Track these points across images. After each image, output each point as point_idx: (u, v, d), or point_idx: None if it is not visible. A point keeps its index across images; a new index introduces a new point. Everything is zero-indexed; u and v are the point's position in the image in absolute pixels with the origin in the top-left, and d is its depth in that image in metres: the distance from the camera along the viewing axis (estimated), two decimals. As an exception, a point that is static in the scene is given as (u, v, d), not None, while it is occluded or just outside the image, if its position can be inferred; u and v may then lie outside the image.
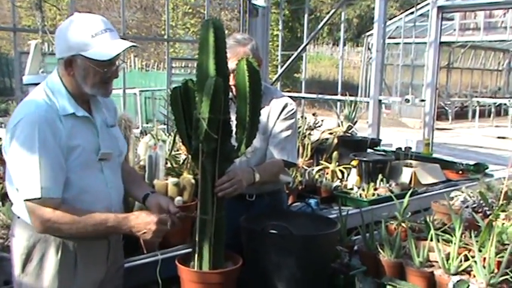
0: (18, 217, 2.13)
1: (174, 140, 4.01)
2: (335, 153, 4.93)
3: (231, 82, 2.31)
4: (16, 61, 5.37)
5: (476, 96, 21.20)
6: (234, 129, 2.17)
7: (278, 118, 2.74)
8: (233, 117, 2.18)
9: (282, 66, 9.23)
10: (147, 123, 11.12)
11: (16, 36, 5.48)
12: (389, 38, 14.77)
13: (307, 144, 5.15)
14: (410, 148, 5.83)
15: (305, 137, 5.30)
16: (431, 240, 2.50)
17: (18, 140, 1.96)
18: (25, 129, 1.96)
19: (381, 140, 6.47)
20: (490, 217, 2.75)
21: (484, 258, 2.34)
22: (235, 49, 2.59)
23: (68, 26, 2.03)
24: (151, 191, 2.31)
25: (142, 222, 2.05)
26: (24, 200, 1.97)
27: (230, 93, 2.30)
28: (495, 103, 20.44)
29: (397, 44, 15.92)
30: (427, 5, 9.91)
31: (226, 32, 2.16)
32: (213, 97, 1.94)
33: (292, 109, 2.78)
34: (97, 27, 2.01)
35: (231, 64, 2.28)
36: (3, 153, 2.07)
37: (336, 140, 5.46)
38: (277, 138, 2.72)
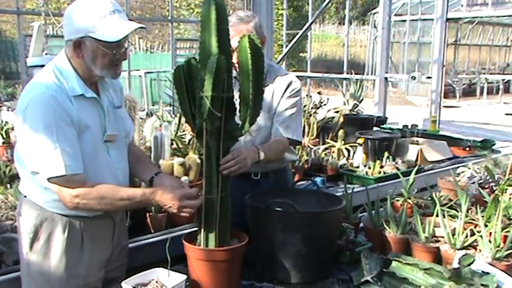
0: (25, 196, 2.15)
1: (180, 120, 4.03)
2: (341, 132, 4.94)
3: (234, 60, 2.30)
4: (21, 44, 5.37)
5: (484, 73, 21.00)
6: (237, 107, 2.17)
7: (283, 96, 2.72)
8: (237, 95, 2.18)
9: (287, 46, 9.17)
10: (153, 105, 11.12)
11: (20, 19, 5.47)
12: (395, 15, 14.65)
13: (313, 123, 5.16)
14: (417, 126, 5.81)
15: (311, 115, 5.31)
16: (437, 216, 2.50)
17: (32, 122, 1.96)
18: (38, 110, 1.96)
19: (387, 118, 6.46)
20: (496, 192, 2.75)
21: (490, 233, 2.34)
22: (238, 26, 2.57)
23: (77, 8, 2.02)
24: (156, 173, 2.31)
25: (167, 197, 2.05)
26: (49, 179, 1.98)
27: (234, 72, 2.29)
28: (503, 79, 20.26)
29: (404, 21, 15.77)
30: (433, -19, 9.78)
31: (230, 11, 2.14)
32: (215, 75, 1.93)
33: (297, 87, 2.76)
34: (105, 8, 2.00)
35: (234, 42, 2.26)
36: (13, 136, 2.08)
37: (341, 119, 5.46)
38: (281, 117, 2.71)
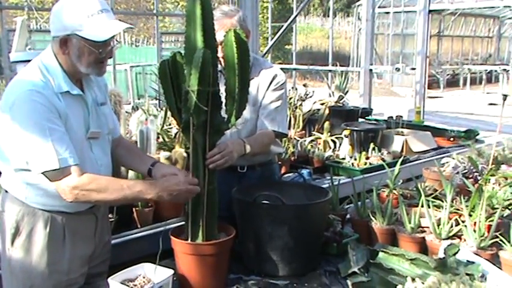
0: (7, 191, 2.14)
1: (166, 114, 4.02)
2: (327, 124, 4.96)
3: (219, 54, 2.30)
4: (4, 39, 5.31)
5: (467, 64, 21.17)
6: (223, 101, 2.17)
7: (268, 89, 2.73)
8: (222, 89, 2.18)
9: (272, 38, 9.17)
10: (138, 98, 11.05)
11: (3, 14, 5.41)
12: (379, 7, 14.70)
13: (299, 115, 5.17)
14: (402, 117, 5.85)
15: (296, 108, 5.32)
16: (422, 206, 2.52)
17: (21, 119, 1.93)
18: (25, 108, 1.93)
19: (372, 110, 6.49)
20: (480, 182, 2.77)
21: (475, 223, 2.37)
22: (222, 21, 2.57)
23: (64, 5, 2.01)
24: (152, 163, 2.29)
25: (173, 183, 2.04)
26: (43, 173, 1.96)
27: (219, 66, 2.29)
28: (486, 70, 20.42)
29: (387, 13, 15.85)
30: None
31: (215, 4, 2.14)
32: (201, 69, 1.93)
33: (282, 80, 2.77)
34: (93, 7, 1.99)
35: (219, 36, 2.26)
36: None
37: (327, 111, 5.48)
38: (267, 109, 2.71)
